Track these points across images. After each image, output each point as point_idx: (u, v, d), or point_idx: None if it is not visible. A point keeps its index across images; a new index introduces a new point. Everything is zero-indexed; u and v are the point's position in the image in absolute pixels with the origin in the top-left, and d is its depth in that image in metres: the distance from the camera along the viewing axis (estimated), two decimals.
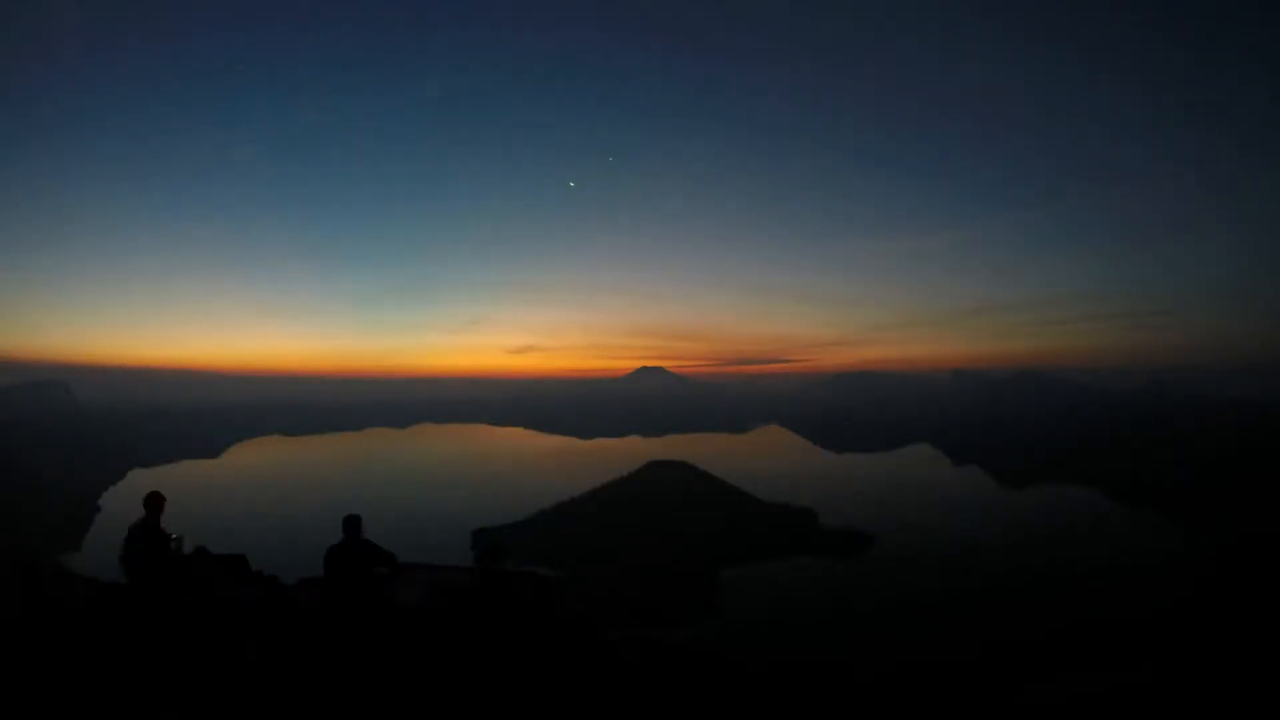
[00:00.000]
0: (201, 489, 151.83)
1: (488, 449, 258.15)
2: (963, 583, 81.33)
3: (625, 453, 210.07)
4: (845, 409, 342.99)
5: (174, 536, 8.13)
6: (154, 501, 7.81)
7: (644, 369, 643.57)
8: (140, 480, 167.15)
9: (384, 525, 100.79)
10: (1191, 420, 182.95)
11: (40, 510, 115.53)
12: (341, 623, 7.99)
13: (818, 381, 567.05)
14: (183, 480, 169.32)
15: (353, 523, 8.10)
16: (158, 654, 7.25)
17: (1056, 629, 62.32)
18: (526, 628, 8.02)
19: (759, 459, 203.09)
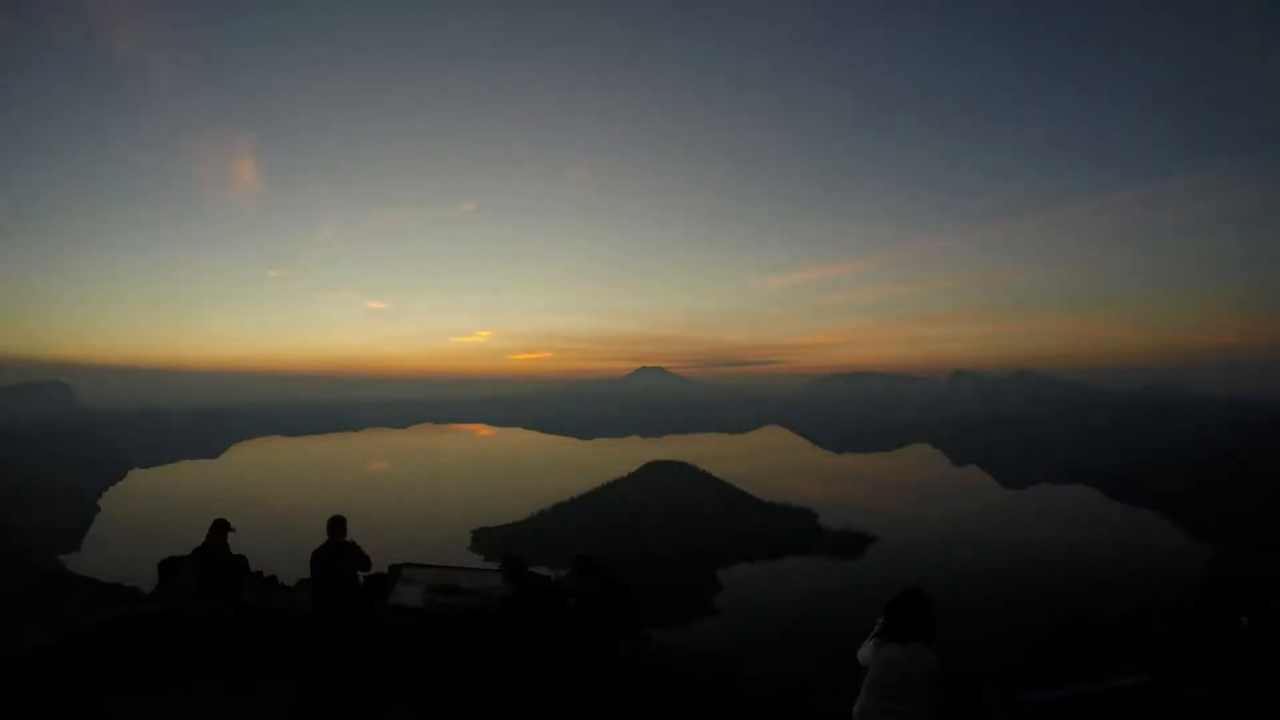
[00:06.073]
0: (201, 489, 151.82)
1: (488, 449, 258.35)
2: (963, 583, 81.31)
3: (625, 453, 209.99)
4: (845, 409, 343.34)
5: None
6: (336, 523, 8.08)
7: (644, 369, 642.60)
8: (140, 480, 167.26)
9: (384, 525, 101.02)
10: (1191, 420, 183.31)
11: (40, 510, 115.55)
12: (334, 623, 8.03)
13: (818, 381, 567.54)
14: (183, 480, 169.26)
15: (337, 524, 8.16)
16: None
17: (1056, 629, 62.27)
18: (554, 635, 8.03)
19: (759, 459, 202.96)
